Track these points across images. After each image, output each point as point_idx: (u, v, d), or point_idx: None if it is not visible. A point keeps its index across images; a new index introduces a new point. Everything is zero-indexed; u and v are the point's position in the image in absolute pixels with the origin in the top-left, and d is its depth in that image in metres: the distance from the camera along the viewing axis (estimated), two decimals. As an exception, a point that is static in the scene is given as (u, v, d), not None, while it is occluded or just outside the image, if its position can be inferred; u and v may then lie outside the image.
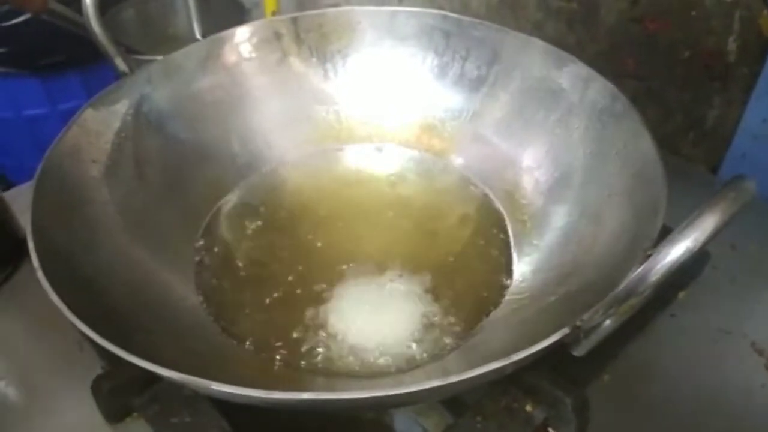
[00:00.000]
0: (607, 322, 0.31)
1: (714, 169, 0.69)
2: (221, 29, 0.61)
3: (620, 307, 0.31)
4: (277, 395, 0.31)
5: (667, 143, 0.71)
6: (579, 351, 0.34)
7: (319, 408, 0.37)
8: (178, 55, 0.58)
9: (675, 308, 0.51)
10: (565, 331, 0.33)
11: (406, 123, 0.63)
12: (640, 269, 0.30)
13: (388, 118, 0.63)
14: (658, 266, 0.29)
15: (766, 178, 0.55)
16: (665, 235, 0.33)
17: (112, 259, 0.46)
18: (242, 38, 0.61)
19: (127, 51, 0.87)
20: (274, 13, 0.96)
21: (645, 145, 0.45)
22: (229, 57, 0.61)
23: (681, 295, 0.52)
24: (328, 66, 0.63)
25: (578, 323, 0.33)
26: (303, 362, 0.45)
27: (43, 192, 0.44)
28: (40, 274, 0.37)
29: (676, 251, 0.28)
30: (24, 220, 0.49)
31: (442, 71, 0.61)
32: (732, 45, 0.62)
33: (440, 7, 0.87)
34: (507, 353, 0.32)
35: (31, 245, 0.39)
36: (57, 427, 0.46)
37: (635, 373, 0.47)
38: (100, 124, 0.52)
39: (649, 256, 0.30)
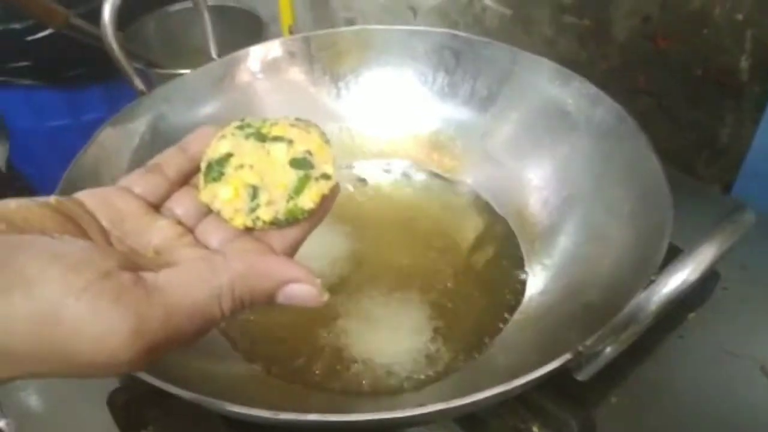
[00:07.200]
0: (608, 349, 0.32)
1: (728, 188, 0.68)
2: (239, 43, 0.63)
3: (620, 335, 0.31)
4: (283, 416, 0.32)
5: (681, 162, 0.71)
6: (582, 375, 0.35)
7: (325, 428, 0.37)
8: (195, 75, 0.60)
9: (684, 329, 0.51)
10: (568, 356, 0.33)
11: (417, 141, 0.64)
12: (638, 298, 0.30)
13: (399, 135, 0.64)
14: (656, 297, 0.29)
15: (778, 199, 0.56)
16: (673, 255, 0.33)
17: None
18: (256, 58, 0.62)
19: (148, 65, 0.89)
20: (291, 27, 0.98)
21: (652, 167, 0.45)
22: (244, 76, 0.62)
23: (690, 316, 0.51)
24: (341, 84, 0.64)
25: (580, 349, 0.33)
26: (311, 379, 0.46)
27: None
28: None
29: (674, 281, 0.29)
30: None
31: (453, 90, 0.62)
32: (744, 63, 0.62)
33: (454, 22, 0.88)
34: (513, 372, 0.33)
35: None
36: (74, 438, 0.47)
37: (642, 396, 0.47)
38: (118, 142, 0.54)
39: (653, 281, 0.31)
